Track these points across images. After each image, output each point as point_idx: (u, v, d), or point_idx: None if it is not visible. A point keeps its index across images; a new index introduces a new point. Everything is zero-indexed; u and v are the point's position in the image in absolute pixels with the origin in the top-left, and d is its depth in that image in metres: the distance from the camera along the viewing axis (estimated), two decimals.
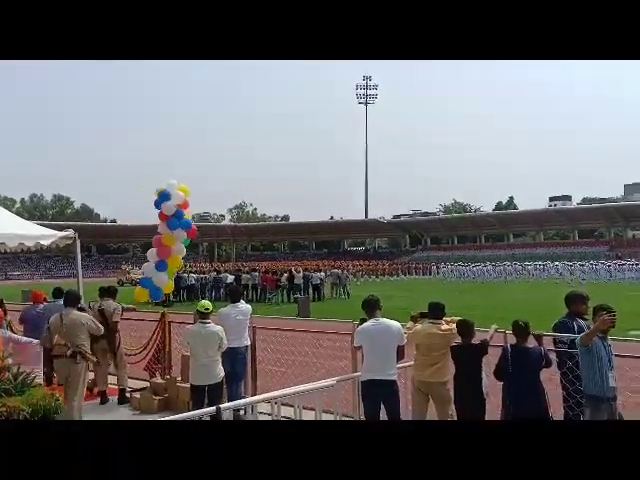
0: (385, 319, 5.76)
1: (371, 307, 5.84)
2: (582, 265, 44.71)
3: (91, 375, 9.42)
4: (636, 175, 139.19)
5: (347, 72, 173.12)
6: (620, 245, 68.85)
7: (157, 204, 8.50)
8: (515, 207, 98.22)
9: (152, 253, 8.83)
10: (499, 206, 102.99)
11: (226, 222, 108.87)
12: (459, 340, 5.81)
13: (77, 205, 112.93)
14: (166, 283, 8.57)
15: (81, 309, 7.55)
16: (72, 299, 7.35)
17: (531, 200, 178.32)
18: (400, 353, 5.72)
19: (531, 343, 5.52)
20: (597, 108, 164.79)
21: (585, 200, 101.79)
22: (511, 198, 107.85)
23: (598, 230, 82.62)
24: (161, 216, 8.49)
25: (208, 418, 4.60)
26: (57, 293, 9.13)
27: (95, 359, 7.57)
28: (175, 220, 8.27)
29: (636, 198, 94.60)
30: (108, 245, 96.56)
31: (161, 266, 8.43)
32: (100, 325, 7.48)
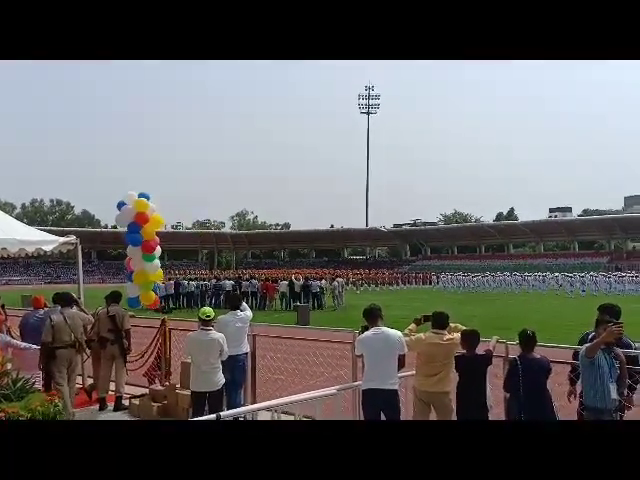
0: (386, 328, 5.75)
1: (373, 316, 5.84)
2: (582, 277, 44.64)
3: (90, 380, 9.47)
4: (636, 187, 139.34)
5: (350, 81, 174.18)
6: (620, 257, 68.85)
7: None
8: (516, 218, 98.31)
9: (125, 261, 8.94)
10: (499, 217, 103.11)
11: (226, 229, 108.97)
12: (462, 350, 5.79)
13: (77, 211, 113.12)
14: (138, 294, 8.51)
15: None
16: (68, 300, 8.04)
17: (532, 211, 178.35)
18: (401, 362, 5.69)
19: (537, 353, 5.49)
20: (598, 123, 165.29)
21: (585, 212, 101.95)
22: (512, 209, 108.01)
23: (598, 242, 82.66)
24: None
25: None
26: (57, 299, 9.12)
27: (88, 349, 8.49)
28: (129, 234, 8.21)
29: (636, 210, 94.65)
30: (108, 251, 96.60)
31: (129, 277, 8.49)
32: (90, 315, 8.34)
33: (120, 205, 8.17)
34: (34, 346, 7.54)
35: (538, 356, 5.43)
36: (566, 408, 5.69)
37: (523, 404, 5.27)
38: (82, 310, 8.38)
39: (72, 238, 10.07)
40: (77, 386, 8.68)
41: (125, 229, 8.45)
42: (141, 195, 8.25)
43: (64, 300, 7.97)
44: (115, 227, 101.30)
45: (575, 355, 5.67)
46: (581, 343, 5.64)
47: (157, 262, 8.65)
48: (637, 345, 5.62)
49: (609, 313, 5.55)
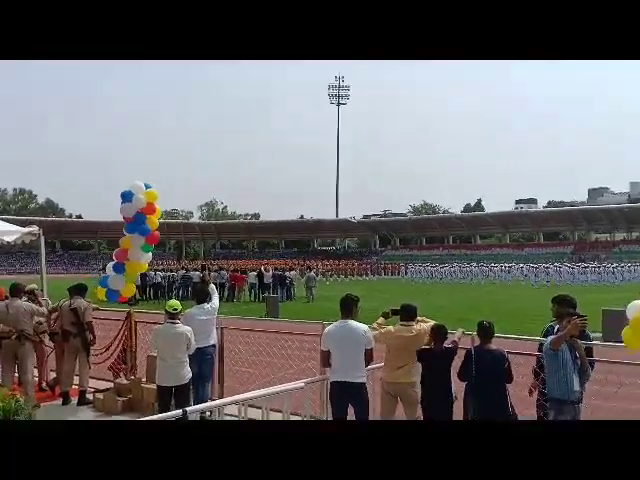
0: (352, 321, 5.70)
1: (347, 306, 5.78)
2: (546, 267, 45.65)
3: (53, 375, 9.27)
4: (600, 180, 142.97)
5: (319, 72, 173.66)
6: (583, 248, 70.54)
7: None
8: (483, 209, 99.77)
9: (116, 252, 8.60)
10: (467, 208, 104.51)
11: (195, 219, 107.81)
12: (430, 342, 5.84)
13: (41, 200, 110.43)
14: (122, 286, 8.31)
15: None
16: (16, 290, 8.17)
17: (498, 203, 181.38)
18: (368, 356, 5.66)
19: (494, 344, 5.60)
20: (563, 118, 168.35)
21: (550, 203, 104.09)
22: (479, 200, 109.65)
23: (562, 233, 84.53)
24: (124, 217, 8.26)
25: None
26: (10, 290, 8.90)
27: (38, 338, 8.45)
28: (133, 224, 8.02)
29: (599, 202, 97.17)
30: (73, 241, 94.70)
31: (118, 268, 8.18)
32: (42, 308, 8.36)
33: (126, 195, 7.93)
34: None
35: (494, 347, 5.56)
36: (524, 400, 5.79)
37: (476, 394, 5.42)
38: (37, 301, 8.45)
39: (35, 228, 9.80)
40: (35, 379, 8.54)
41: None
42: (146, 185, 8.09)
43: (12, 291, 8.14)
44: (80, 217, 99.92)
45: (541, 347, 5.77)
46: (545, 335, 5.74)
47: (150, 254, 8.54)
48: (590, 335, 5.76)
49: (569, 305, 5.67)
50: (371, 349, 5.66)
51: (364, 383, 5.67)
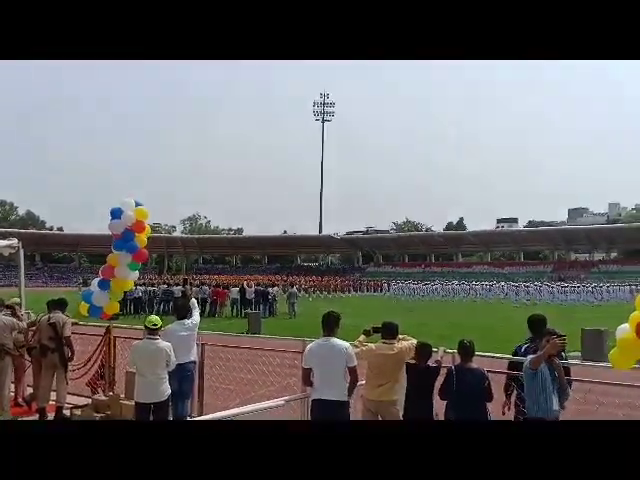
0: (335, 339, 5.67)
1: (329, 324, 5.76)
2: (527, 286, 46.08)
3: (30, 390, 9.10)
4: (580, 200, 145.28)
5: (304, 89, 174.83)
6: (562, 267, 71.33)
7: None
8: (465, 227, 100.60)
9: (102, 269, 8.50)
10: (449, 226, 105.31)
11: (177, 233, 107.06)
12: (412, 359, 5.86)
13: (21, 211, 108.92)
14: (106, 303, 8.23)
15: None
16: None
17: (480, 221, 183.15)
18: (353, 375, 5.58)
19: (475, 363, 5.65)
20: (543, 138, 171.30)
21: (531, 223, 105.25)
22: (461, 219, 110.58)
23: (542, 252, 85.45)
24: (113, 234, 8.18)
25: None
26: None
27: (17, 353, 8.36)
28: (121, 241, 7.96)
29: (579, 222, 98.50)
30: (53, 254, 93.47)
31: (103, 285, 8.10)
32: (21, 322, 8.30)
33: (115, 212, 7.84)
34: None
35: (475, 366, 5.60)
36: (504, 418, 5.81)
37: (457, 413, 5.45)
38: (16, 316, 8.38)
39: (14, 241, 9.71)
40: (11, 394, 8.40)
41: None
42: (136, 203, 8.03)
43: None
44: (61, 229, 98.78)
45: (510, 365, 5.86)
46: (515, 355, 5.84)
47: (137, 272, 8.46)
48: (564, 355, 5.84)
49: (543, 325, 5.76)
50: (354, 367, 5.60)
51: (346, 401, 5.62)
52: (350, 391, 5.63)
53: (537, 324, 5.84)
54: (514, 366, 5.77)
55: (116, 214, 7.84)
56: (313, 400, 5.66)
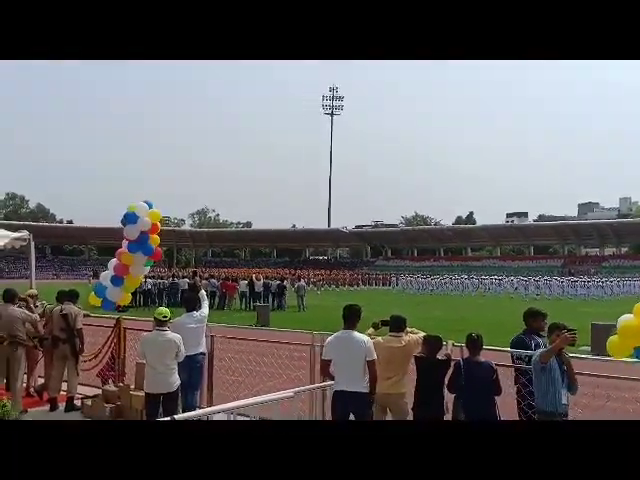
0: (355, 332, 5.67)
1: (351, 317, 5.76)
2: (537, 281, 45.85)
3: (41, 380, 9.20)
4: (590, 194, 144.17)
5: (314, 84, 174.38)
6: (573, 261, 70.95)
7: (123, 223, 8.08)
8: (474, 221, 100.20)
9: (112, 264, 8.50)
10: (459, 220, 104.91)
11: (186, 227, 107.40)
12: (421, 351, 5.85)
13: (32, 205, 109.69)
14: (119, 297, 8.30)
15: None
16: (10, 296, 8.22)
17: (490, 215, 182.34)
18: (371, 368, 5.55)
19: (483, 357, 5.64)
20: (556, 135, 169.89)
21: (541, 217, 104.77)
22: (471, 213, 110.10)
23: (552, 246, 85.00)
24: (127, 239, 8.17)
25: None
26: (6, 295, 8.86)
27: (32, 343, 8.45)
28: (137, 244, 7.98)
29: (589, 217, 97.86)
30: (63, 247, 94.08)
31: (116, 281, 8.14)
32: (34, 314, 8.40)
33: (129, 217, 7.83)
34: None
35: (482, 360, 5.59)
36: (512, 411, 5.80)
37: (465, 405, 5.46)
38: (29, 308, 8.50)
39: (24, 234, 9.79)
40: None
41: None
42: (148, 204, 8.06)
43: (6, 297, 8.21)
44: (71, 222, 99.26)
45: (513, 359, 5.91)
46: (513, 346, 5.90)
47: (149, 267, 8.78)
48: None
49: (533, 317, 5.94)
50: (373, 360, 5.56)
51: (366, 393, 5.58)
52: (372, 388, 5.58)
53: (527, 316, 6.06)
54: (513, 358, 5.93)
55: (131, 219, 7.83)
56: (335, 391, 5.67)
